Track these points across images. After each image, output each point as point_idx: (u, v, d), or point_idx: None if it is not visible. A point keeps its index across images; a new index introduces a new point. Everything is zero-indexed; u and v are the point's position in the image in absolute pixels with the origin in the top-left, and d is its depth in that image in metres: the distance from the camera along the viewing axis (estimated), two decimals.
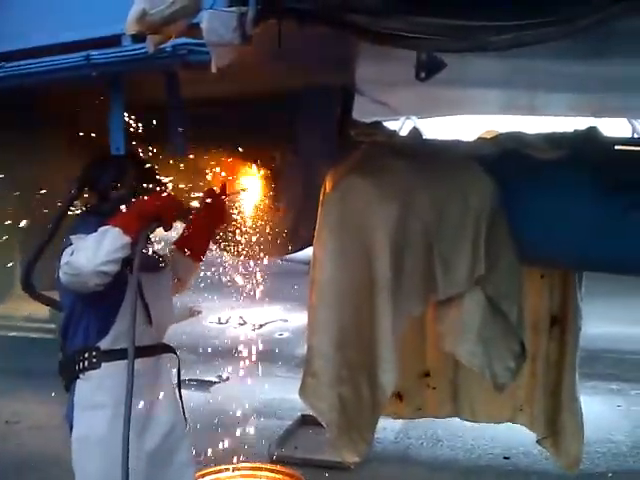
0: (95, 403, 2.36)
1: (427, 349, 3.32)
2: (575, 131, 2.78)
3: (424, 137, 2.98)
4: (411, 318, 2.84)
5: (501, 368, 2.72)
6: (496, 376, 2.72)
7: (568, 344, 3.14)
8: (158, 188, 2.52)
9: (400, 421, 4.09)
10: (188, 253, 2.70)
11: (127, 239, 2.19)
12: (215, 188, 2.69)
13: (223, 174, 2.91)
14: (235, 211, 2.99)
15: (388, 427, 3.54)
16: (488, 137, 2.85)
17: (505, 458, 4.34)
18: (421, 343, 3.29)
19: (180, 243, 2.72)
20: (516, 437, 3.55)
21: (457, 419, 3.47)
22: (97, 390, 2.36)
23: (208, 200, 2.63)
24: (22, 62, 2.39)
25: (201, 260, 2.77)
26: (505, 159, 2.68)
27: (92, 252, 2.14)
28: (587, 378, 5.13)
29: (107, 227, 2.19)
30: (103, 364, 2.35)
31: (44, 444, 4.31)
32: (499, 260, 2.67)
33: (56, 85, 2.49)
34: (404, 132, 3.21)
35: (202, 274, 2.99)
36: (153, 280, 2.47)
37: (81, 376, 2.37)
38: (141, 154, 2.65)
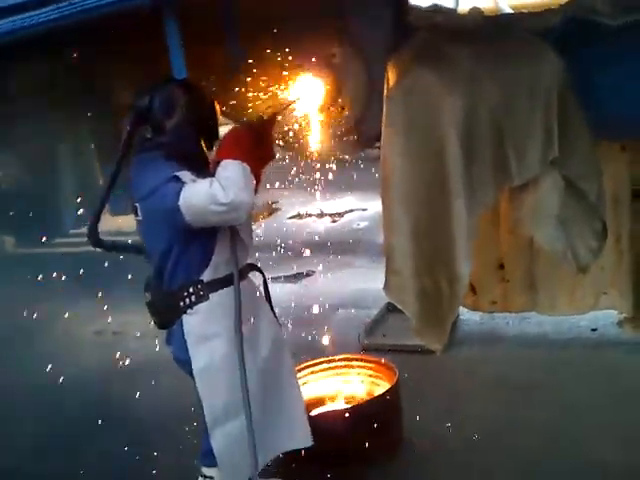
0: (210, 334, 2.38)
1: (501, 240, 3.28)
2: None
3: (484, 15, 2.81)
4: (484, 208, 2.81)
5: (583, 249, 2.69)
6: (579, 258, 2.69)
7: None
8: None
9: None
10: None
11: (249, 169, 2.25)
12: (263, 117, 2.53)
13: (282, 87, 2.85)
14: (300, 113, 2.95)
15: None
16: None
17: (592, 330, 4.31)
18: (494, 234, 3.25)
19: None
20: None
21: None
22: (209, 321, 2.39)
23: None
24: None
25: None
26: (571, 29, 2.52)
27: (244, 186, 2.18)
28: None
29: (237, 162, 2.21)
30: (210, 295, 2.37)
31: (152, 352, 4.55)
32: (574, 140, 2.58)
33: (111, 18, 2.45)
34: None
35: (276, 172, 2.96)
36: None
37: (188, 311, 2.38)
38: (191, 79, 2.50)
